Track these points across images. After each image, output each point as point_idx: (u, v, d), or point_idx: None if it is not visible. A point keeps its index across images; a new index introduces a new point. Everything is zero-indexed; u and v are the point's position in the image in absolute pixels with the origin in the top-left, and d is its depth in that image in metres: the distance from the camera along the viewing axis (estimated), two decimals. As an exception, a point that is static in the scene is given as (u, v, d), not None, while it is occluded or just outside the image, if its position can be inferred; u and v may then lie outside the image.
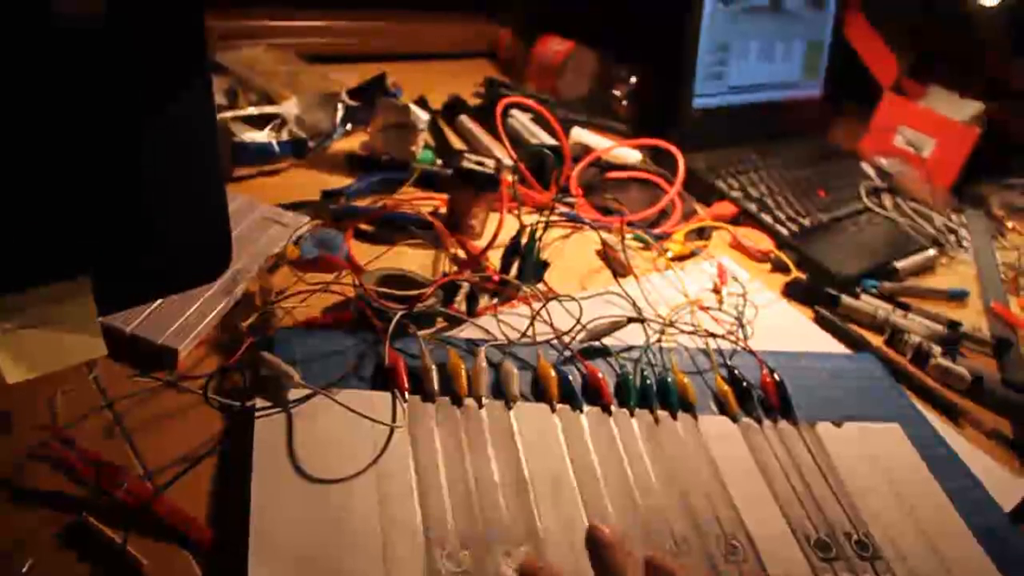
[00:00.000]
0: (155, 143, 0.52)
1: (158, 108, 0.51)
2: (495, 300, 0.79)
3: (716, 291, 0.91)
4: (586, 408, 0.67)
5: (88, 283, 0.53)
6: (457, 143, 1.14)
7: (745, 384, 0.74)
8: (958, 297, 1.06)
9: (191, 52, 0.51)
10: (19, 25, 0.43)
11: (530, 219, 0.83)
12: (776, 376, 0.75)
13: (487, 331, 0.74)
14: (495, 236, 0.84)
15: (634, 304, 0.83)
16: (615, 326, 0.76)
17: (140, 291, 0.59)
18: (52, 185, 0.49)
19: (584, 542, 0.51)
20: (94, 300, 0.53)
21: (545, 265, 0.83)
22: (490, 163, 0.89)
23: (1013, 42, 1.44)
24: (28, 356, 0.51)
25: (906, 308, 0.98)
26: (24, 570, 0.48)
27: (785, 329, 0.89)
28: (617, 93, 1.28)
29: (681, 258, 0.98)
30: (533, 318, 0.73)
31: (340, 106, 1.04)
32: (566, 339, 0.74)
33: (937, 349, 0.89)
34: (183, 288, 0.64)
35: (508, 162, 0.95)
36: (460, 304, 0.76)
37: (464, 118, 1.17)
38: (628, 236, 0.94)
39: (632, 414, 0.68)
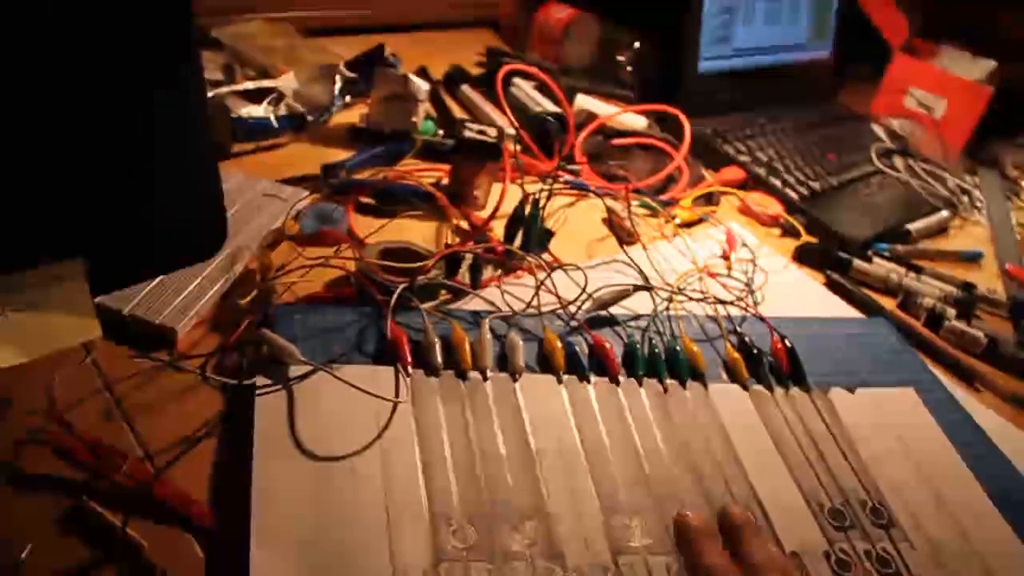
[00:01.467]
0: (144, 119, 0.51)
1: (146, 83, 0.50)
2: (499, 271, 0.77)
3: (725, 257, 0.90)
4: (593, 379, 0.66)
5: (81, 264, 0.52)
6: (459, 113, 1.12)
7: (756, 351, 0.73)
8: (972, 259, 1.05)
9: (179, 26, 0.50)
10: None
11: (534, 188, 0.81)
12: (787, 342, 0.74)
13: (491, 303, 0.73)
14: (498, 206, 0.83)
15: (641, 272, 0.81)
16: (622, 295, 0.75)
17: (135, 271, 0.58)
18: (42, 163, 0.48)
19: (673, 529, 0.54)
20: (88, 281, 0.52)
21: (550, 234, 0.82)
22: (492, 132, 0.88)
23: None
24: (22, 339, 0.50)
25: (919, 271, 0.96)
26: (23, 555, 0.47)
27: (796, 294, 0.88)
28: (621, 59, 1.25)
29: (689, 224, 0.96)
30: (538, 288, 0.72)
31: (338, 78, 1.02)
32: (572, 309, 0.72)
33: (951, 312, 0.88)
34: (179, 266, 0.63)
35: (511, 131, 0.94)
36: (463, 276, 0.75)
37: (466, 88, 1.15)
38: (634, 203, 0.92)
39: (640, 384, 0.67)
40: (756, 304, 0.82)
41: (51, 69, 0.45)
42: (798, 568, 0.53)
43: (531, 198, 0.79)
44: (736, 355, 0.72)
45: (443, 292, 0.74)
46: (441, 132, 1.02)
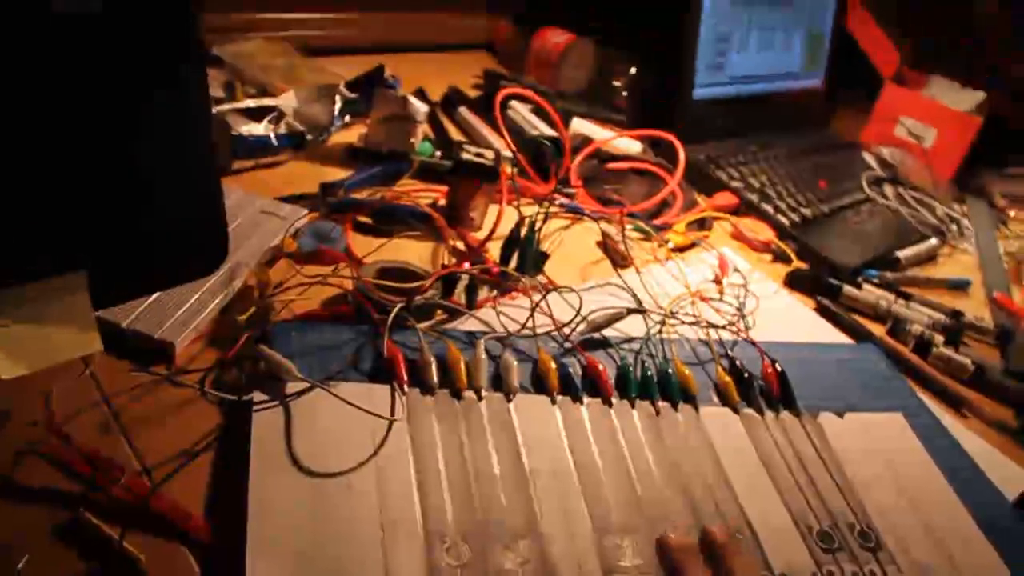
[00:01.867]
0: (148, 133, 0.51)
1: (151, 97, 0.50)
2: (495, 292, 0.78)
3: (717, 282, 0.91)
4: (586, 400, 0.67)
5: (83, 278, 0.52)
6: (456, 135, 1.13)
7: (747, 375, 0.73)
8: (960, 286, 1.06)
9: (184, 40, 0.50)
10: (15, 9, 0.43)
11: (530, 210, 0.82)
12: (778, 366, 0.74)
13: (486, 323, 0.73)
14: (494, 228, 0.84)
15: (634, 295, 0.82)
16: (615, 317, 0.76)
17: (136, 285, 0.59)
18: (44, 177, 0.48)
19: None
20: (89, 295, 0.53)
21: (545, 256, 0.83)
22: (489, 154, 0.89)
23: (1014, 32, 1.43)
24: (22, 352, 0.51)
25: (908, 298, 0.97)
26: (20, 567, 0.47)
27: (787, 319, 0.88)
28: (617, 84, 1.27)
29: (682, 249, 0.97)
30: (533, 310, 0.72)
31: (338, 98, 1.03)
32: (566, 331, 0.73)
33: (939, 339, 0.89)
34: (180, 282, 0.63)
35: (507, 153, 0.95)
36: (459, 296, 0.76)
37: (463, 110, 1.16)
38: (628, 227, 0.93)
39: (633, 405, 0.68)
40: (747, 328, 0.82)
41: (53, 82, 0.46)
42: None
43: (527, 220, 0.80)
44: (727, 378, 0.72)
45: (439, 312, 0.74)
46: (439, 153, 1.03)
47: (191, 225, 0.58)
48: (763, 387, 0.73)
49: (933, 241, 1.13)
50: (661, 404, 0.69)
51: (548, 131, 1.09)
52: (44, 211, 0.49)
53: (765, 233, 1.04)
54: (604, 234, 0.90)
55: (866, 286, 0.97)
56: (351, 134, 1.05)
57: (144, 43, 0.48)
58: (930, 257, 1.13)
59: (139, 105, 0.50)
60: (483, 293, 0.77)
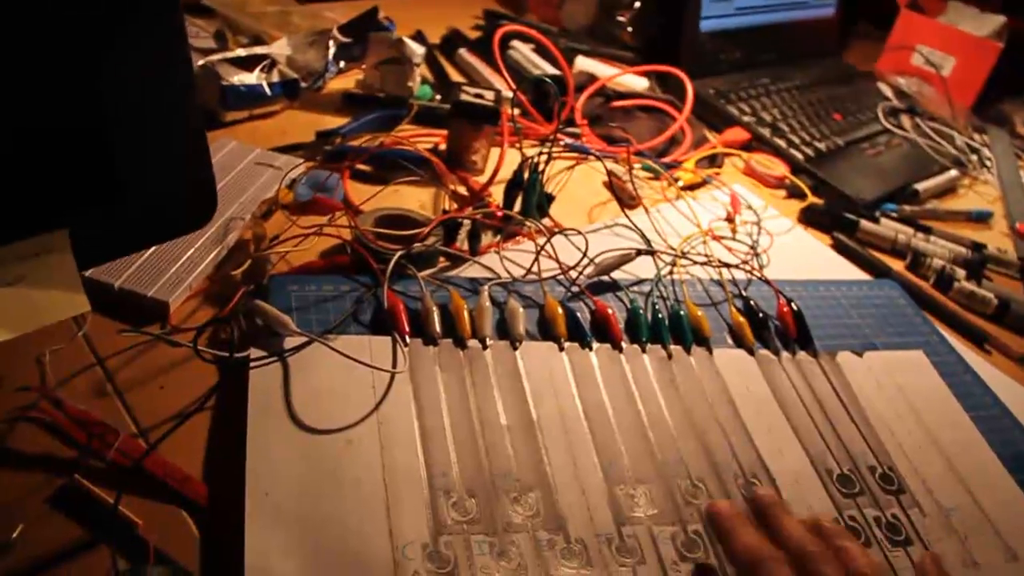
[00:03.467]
0: (123, 80, 0.49)
1: (124, 40, 0.48)
2: (498, 237, 0.76)
3: (729, 220, 0.88)
4: (595, 345, 0.65)
5: (65, 236, 0.50)
6: (456, 77, 1.10)
7: (761, 315, 0.71)
8: (981, 218, 1.03)
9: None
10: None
11: (533, 152, 0.79)
12: (793, 305, 0.72)
13: (491, 269, 0.71)
14: (496, 171, 0.81)
15: (643, 236, 0.80)
16: (624, 259, 0.74)
17: (122, 242, 0.56)
18: (14, 130, 0.46)
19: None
20: (74, 253, 0.51)
21: (550, 199, 0.80)
22: (489, 95, 0.86)
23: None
24: (7, 315, 0.49)
25: (928, 231, 0.94)
26: (14, 535, 0.46)
27: (802, 257, 0.86)
28: (621, 19, 1.23)
29: (692, 187, 0.95)
30: (538, 253, 0.70)
31: (332, 44, 1.00)
32: (573, 274, 0.71)
33: (961, 272, 0.87)
34: (168, 237, 0.62)
35: (508, 94, 0.92)
36: (462, 243, 0.73)
37: (463, 51, 1.13)
38: (636, 166, 0.90)
39: (644, 350, 0.66)
40: (761, 267, 0.80)
41: (24, 32, 0.44)
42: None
43: (530, 162, 0.77)
44: (741, 319, 0.70)
45: (441, 259, 0.72)
46: (438, 97, 1.00)
47: (176, 178, 0.55)
48: (778, 327, 0.71)
49: (953, 172, 1.10)
50: (673, 348, 0.67)
51: (551, 70, 1.06)
52: (17, 166, 0.47)
53: (778, 168, 1.01)
54: (611, 174, 0.87)
55: (884, 220, 0.95)
56: (347, 80, 1.02)
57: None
58: (950, 189, 1.10)
59: (112, 49, 0.47)
60: (486, 239, 0.75)
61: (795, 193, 0.99)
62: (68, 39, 0.45)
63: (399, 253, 0.66)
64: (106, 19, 0.46)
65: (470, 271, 0.71)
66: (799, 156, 1.04)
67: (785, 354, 0.69)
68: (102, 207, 0.52)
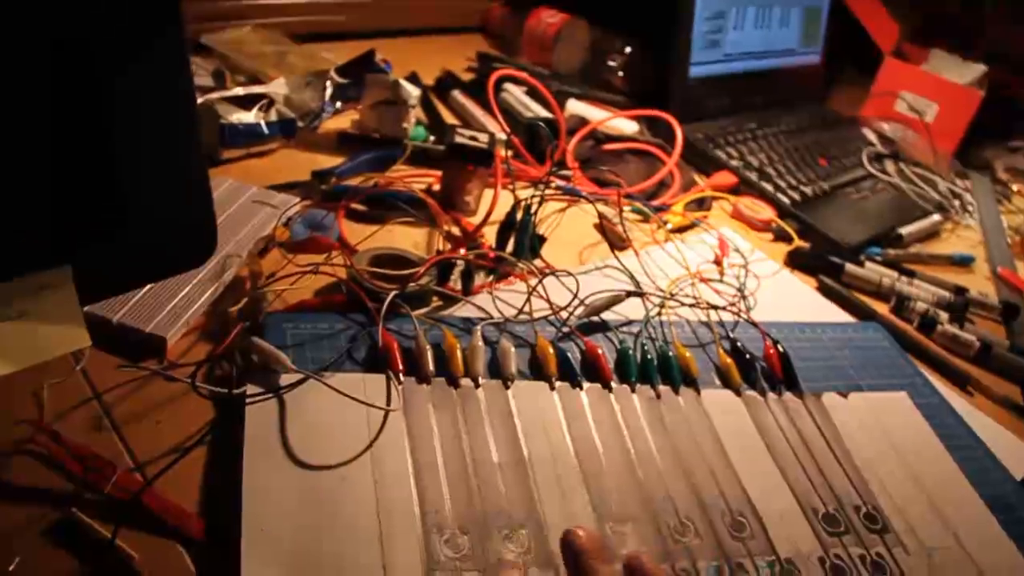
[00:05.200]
0: (129, 120, 0.50)
1: (130, 80, 0.49)
2: (491, 277, 0.77)
3: (717, 262, 0.89)
4: (586, 385, 0.66)
5: (68, 273, 0.51)
6: (450, 119, 1.12)
7: (748, 356, 0.72)
8: (964, 262, 1.05)
9: (162, 20, 0.49)
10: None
11: (525, 194, 0.81)
12: (780, 347, 0.73)
13: (483, 309, 0.72)
14: (490, 212, 0.82)
15: (633, 277, 0.81)
16: (614, 300, 0.75)
17: (123, 279, 0.57)
18: (20, 169, 0.47)
19: (560, 548, 0.48)
20: (76, 289, 0.51)
21: (542, 240, 0.81)
22: (483, 137, 0.88)
23: (1013, 3, 1.42)
24: (9, 350, 0.49)
25: (912, 275, 0.96)
26: (11, 568, 0.46)
27: (788, 299, 0.87)
28: (612, 64, 1.25)
29: (681, 230, 0.96)
30: (530, 294, 0.71)
31: (328, 84, 1.01)
32: (564, 315, 0.72)
33: (944, 316, 0.88)
34: (168, 275, 0.62)
35: (502, 136, 0.93)
36: (455, 282, 0.75)
37: (457, 93, 1.15)
38: (626, 208, 0.92)
39: (633, 389, 0.67)
40: (749, 309, 0.81)
41: (29, 72, 0.45)
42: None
43: (523, 204, 0.79)
44: (729, 360, 0.71)
45: (435, 299, 0.73)
46: (432, 138, 1.01)
47: (178, 216, 0.56)
48: (765, 368, 0.72)
49: (936, 217, 1.12)
50: (662, 388, 0.68)
51: (543, 113, 1.08)
52: (23, 205, 0.48)
53: (765, 212, 1.03)
54: (601, 216, 0.88)
55: (869, 264, 0.96)
56: (343, 120, 1.04)
57: (122, 23, 0.47)
58: (933, 233, 1.11)
59: (117, 85, 0.48)
60: (479, 279, 0.76)
61: (782, 236, 1.01)
62: (74, 74, 0.46)
63: (393, 292, 0.67)
64: (112, 55, 0.47)
65: (463, 311, 0.72)
66: (786, 200, 1.05)
67: (771, 395, 0.70)
68: (105, 243, 0.53)
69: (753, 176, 1.09)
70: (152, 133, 0.51)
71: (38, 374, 0.57)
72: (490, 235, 0.82)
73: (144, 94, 0.50)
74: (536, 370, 0.66)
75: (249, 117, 0.91)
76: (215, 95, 0.91)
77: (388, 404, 0.60)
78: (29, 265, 0.49)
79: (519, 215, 0.79)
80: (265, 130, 0.92)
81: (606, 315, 0.74)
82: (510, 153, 0.92)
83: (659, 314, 0.76)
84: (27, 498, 0.51)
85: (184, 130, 0.53)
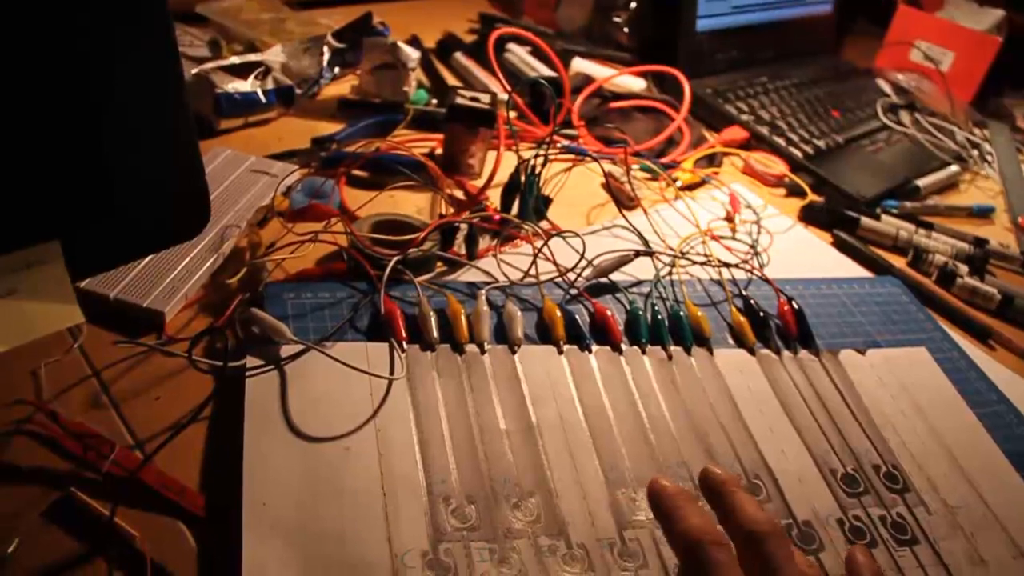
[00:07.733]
0: (115, 92, 0.48)
1: (116, 52, 0.47)
2: (495, 240, 0.75)
3: (729, 219, 0.87)
4: (595, 347, 0.64)
5: (57, 247, 0.50)
6: (452, 81, 1.10)
7: (762, 314, 0.71)
8: (983, 213, 1.03)
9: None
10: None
11: (530, 155, 0.79)
12: (794, 304, 0.72)
13: (488, 273, 0.71)
14: (493, 174, 0.80)
15: (642, 237, 0.79)
16: (623, 261, 0.73)
17: (115, 253, 0.56)
18: (4, 143, 0.46)
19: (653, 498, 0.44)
20: (66, 264, 0.50)
21: (547, 201, 0.80)
22: (485, 98, 0.85)
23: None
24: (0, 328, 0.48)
25: (929, 227, 0.94)
26: (10, 549, 0.46)
27: (803, 255, 0.85)
28: (617, 20, 1.22)
29: (691, 187, 0.94)
30: (535, 256, 0.69)
31: (326, 50, 0.99)
32: (571, 277, 0.70)
33: (963, 268, 0.86)
34: (161, 247, 0.61)
35: (504, 97, 0.91)
36: (459, 247, 0.73)
37: (459, 55, 1.12)
38: (634, 167, 0.90)
39: (644, 351, 0.65)
40: (762, 266, 0.80)
41: (11, 39, 0.43)
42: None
43: (527, 165, 0.77)
44: (742, 319, 0.70)
45: (438, 264, 0.72)
46: (434, 101, 1.00)
47: (168, 185, 0.55)
48: (779, 326, 0.71)
49: (954, 168, 1.09)
50: (673, 348, 0.66)
51: (547, 72, 1.05)
52: (5, 177, 0.46)
53: (777, 167, 1.00)
54: (608, 175, 0.86)
55: (885, 217, 0.94)
56: (342, 86, 1.02)
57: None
58: (951, 184, 1.09)
59: (102, 59, 0.47)
60: (484, 242, 0.75)
61: (795, 191, 0.99)
62: (58, 49, 0.45)
63: (395, 259, 0.65)
64: (97, 28, 0.46)
65: (467, 275, 0.71)
66: (798, 154, 1.03)
67: (787, 353, 0.68)
68: (93, 217, 0.52)
69: (764, 130, 1.06)
70: (137, 98, 0.50)
71: (35, 353, 0.56)
72: (494, 197, 0.80)
73: (128, 59, 0.48)
74: (543, 334, 0.65)
75: (246, 86, 0.90)
76: (211, 64, 0.89)
77: (391, 373, 0.58)
78: (15, 241, 0.48)
79: (523, 176, 0.77)
80: (263, 99, 0.90)
81: (615, 276, 0.73)
82: (514, 113, 0.90)
83: (670, 273, 0.74)
84: (26, 478, 0.50)
85: (171, 95, 0.52)
